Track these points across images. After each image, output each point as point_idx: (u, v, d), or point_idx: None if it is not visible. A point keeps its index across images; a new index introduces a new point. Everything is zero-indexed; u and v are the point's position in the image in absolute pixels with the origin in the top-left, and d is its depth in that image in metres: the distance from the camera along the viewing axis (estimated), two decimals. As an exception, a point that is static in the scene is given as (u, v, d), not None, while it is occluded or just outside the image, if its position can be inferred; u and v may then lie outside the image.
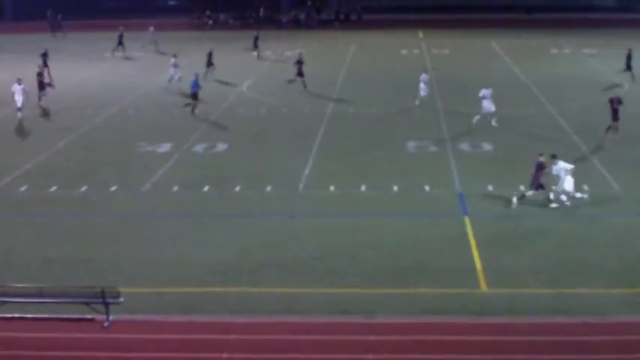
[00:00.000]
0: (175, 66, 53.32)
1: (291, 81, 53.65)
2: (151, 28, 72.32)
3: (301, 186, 33.88)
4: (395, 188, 33.27)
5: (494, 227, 29.17)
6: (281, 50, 70.73)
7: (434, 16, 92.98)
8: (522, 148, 38.25)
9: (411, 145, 39.55)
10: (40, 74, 49.78)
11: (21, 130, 43.57)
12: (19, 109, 45.14)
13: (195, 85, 46.30)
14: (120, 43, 68.35)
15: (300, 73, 52.86)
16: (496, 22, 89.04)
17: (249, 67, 61.55)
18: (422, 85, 47.48)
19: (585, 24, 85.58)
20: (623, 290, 24.20)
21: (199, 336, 21.93)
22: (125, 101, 49.94)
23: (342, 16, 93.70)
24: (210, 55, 57.60)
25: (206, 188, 33.62)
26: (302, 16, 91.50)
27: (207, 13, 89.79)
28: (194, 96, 46.41)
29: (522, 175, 33.80)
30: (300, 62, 52.93)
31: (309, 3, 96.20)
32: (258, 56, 66.29)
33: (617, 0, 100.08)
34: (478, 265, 25.94)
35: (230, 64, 61.98)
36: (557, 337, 21.66)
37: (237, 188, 33.48)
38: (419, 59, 65.67)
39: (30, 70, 51.63)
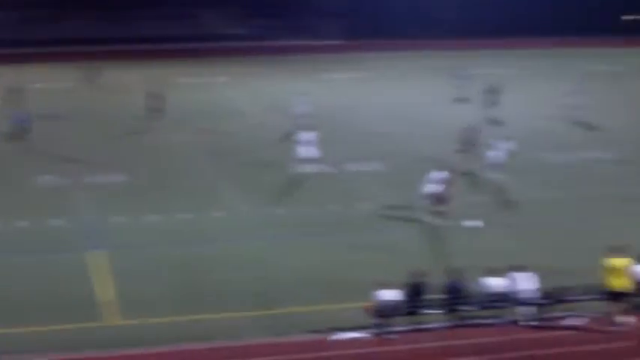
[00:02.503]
0: None
1: None
2: None
3: None
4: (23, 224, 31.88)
5: (129, 258, 28.78)
6: None
7: None
8: (159, 175, 37.97)
9: (40, 179, 37.60)
10: None
11: None
12: None
13: None
14: None
15: None
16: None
17: None
18: None
19: (213, 53, 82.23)
20: (256, 312, 24.67)
21: None
22: None
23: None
24: None
25: None
26: None
27: None
28: None
29: (154, 202, 33.67)
30: None
31: None
32: None
33: (246, 28, 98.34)
34: (111, 297, 25.46)
35: None
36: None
37: None
38: None
39: None
